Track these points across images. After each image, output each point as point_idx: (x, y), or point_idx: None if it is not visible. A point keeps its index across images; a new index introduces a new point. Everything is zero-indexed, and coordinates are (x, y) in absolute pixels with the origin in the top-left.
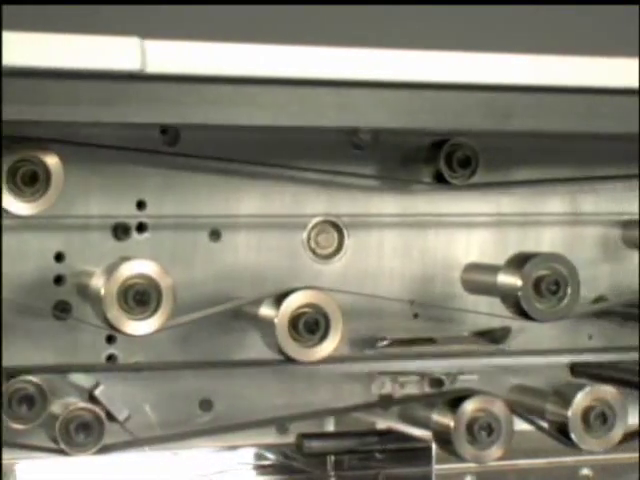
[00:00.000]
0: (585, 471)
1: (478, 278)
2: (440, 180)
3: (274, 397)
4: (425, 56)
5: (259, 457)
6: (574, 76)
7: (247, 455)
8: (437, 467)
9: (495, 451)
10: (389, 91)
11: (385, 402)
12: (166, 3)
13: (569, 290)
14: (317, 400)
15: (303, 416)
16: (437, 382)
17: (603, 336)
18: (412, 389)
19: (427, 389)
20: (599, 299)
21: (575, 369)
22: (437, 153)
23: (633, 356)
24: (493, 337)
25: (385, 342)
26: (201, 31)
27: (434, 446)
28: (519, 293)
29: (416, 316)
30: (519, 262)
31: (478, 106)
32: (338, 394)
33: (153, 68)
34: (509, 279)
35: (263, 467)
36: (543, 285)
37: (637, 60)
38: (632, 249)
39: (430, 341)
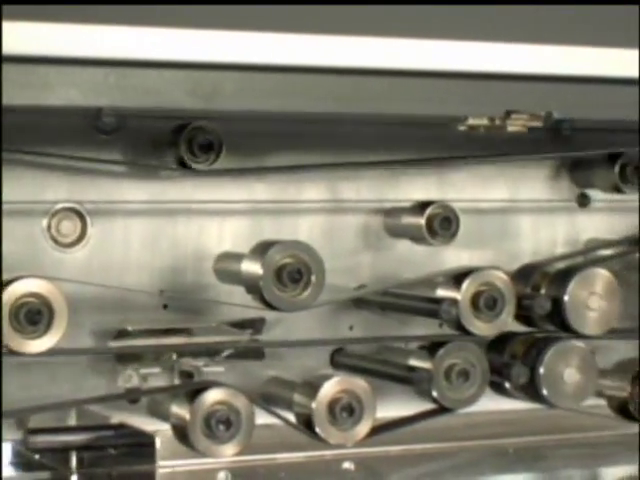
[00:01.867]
0: (347, 465)
1: (227, 267)
2: (184, 165)
3: (15, 391)
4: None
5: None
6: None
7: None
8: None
9: (233, 446)
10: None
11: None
12: None
13: (313, 278)
14: (58, 394)
15: (22, 411)
16: (187, 374)
17: (364, 326)
18: (159, 382)
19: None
20: (360, 288)
21: (335, 360)
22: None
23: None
24: (248, 327)
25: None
26: None
27: (158, 441)
28: (260, 282)
29: (166, 307)
30: (261, 250)
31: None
32: (79, 387)
33: None
34: (251, 268)
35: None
36: (285, 274)
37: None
38: (393, 237)
39: (185, 332)
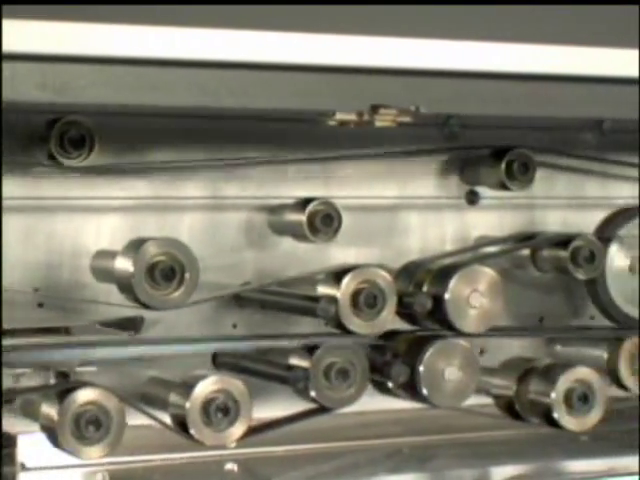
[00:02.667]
0: (229, 466)
1: (102, 265)
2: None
3: None
4: None
5: None
6: None
7: None
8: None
9: (103, 447)
10: None
11: None
12: None
13: (187, 276)
14: None
15: None
16: (63, 374)
17: (248, 325)
18: (32, 381)
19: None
20: (244, 286)
21: (217, 359)
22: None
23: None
24: (126, 326)
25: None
26: None
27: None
28: (132, 280)
29: (41, 305)
30: (133, 248)
31: None
32: None
33: None
34: (124, 265)
35: None
36: (157, 272)
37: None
38: (277, 235)
39: (62, 331)
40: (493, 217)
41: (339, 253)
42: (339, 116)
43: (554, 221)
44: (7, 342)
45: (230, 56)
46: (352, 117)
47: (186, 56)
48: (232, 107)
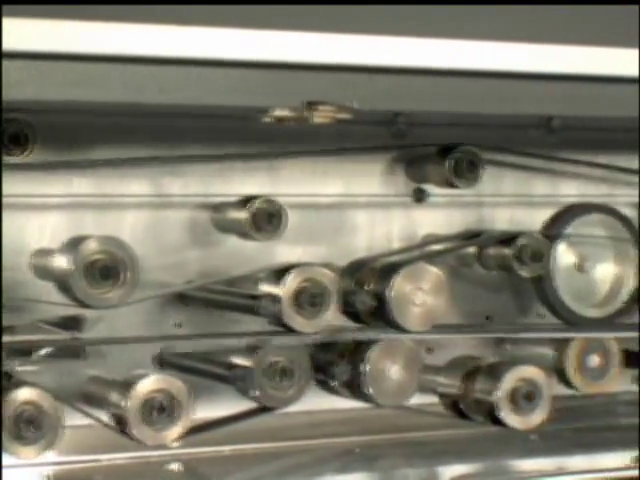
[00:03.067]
0: (173, 466)
1: (41, 264)
2: None
3: None
4: None
5: None
6: None
7: None
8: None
9: (40, 447)
10: None
11: None
12: None
13: (127, 275)
14: None
15: None
16: (7, 375)
17: (192, 323)
18: None
19: None
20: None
21: (161, 358)
22: None
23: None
24: (68, 325)
25: None
26: None
27: None
28: (70, 279)
29: None
30: (72, 246)
31: None
32: None
33: None
34: (61, 263)
35: None
36: (95, 270)
37: None
38: (221, 233)
39: (7, 330)
40: (441, 215)
41: (285, 251)
42: (276, 112)
43: (502, 219)
44: None
45: (165, 52)
46: (289, 113)
47: (120, 52)
48: (166, 103)
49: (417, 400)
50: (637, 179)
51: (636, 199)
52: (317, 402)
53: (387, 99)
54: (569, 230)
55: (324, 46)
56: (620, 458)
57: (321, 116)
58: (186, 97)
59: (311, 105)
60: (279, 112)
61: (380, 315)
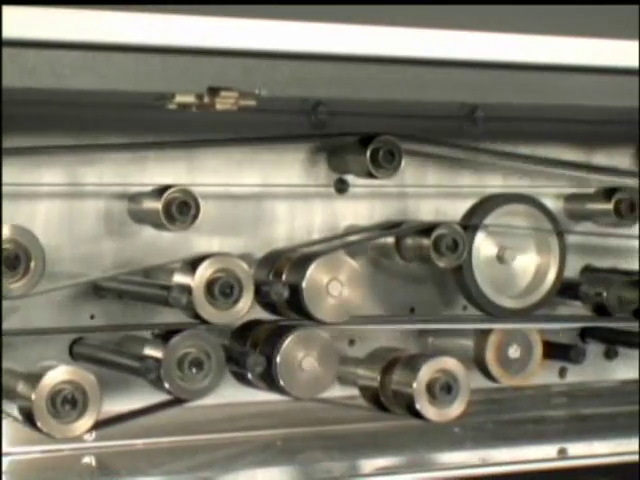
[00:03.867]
0: (87, 460)
1: None
2: None
3: None
4: None
5: None
6: None
7: None
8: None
9: None
10: None
11: None
12: None
13: (32, 265)
14: None
15: None
16: None
17: (106, 315)
18: None
19: None
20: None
21: (74, 350)
22: None
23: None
24: None
25: None
26: None
27: None
28: None
29: None
30: None
31: None
32: None
33: None
34: None
35: None
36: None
37: None
38: (137, 223)
39: None
40: (363, 206)
41: (203, 242)
42: (178, 99)
43: (426, 210)
44: None
45: (62, 36)
46: (192, 100)
47: (16, 35)
48: (60, 89)
49: (340, 393)
50: (564, 171)
51: (562, 190)
52: (237, 395)
53: (295, 86)
54: (489, 220)
55: (231, 31)
56: (545, 451)
57: (224, 102)
58: (84, 82)
59: (213, 91)
60: (182, 98)
61: (294, 306)
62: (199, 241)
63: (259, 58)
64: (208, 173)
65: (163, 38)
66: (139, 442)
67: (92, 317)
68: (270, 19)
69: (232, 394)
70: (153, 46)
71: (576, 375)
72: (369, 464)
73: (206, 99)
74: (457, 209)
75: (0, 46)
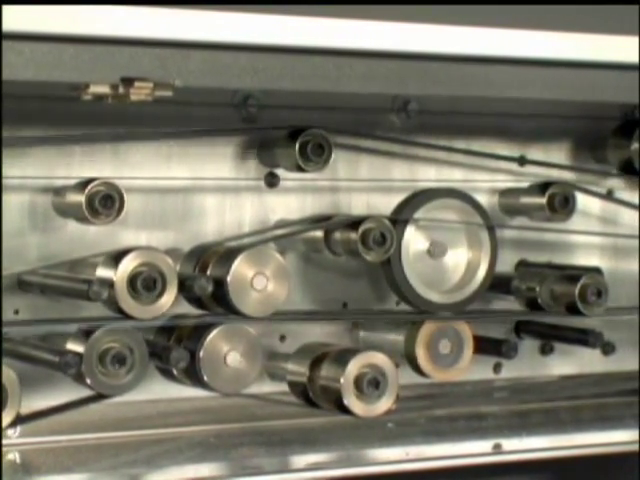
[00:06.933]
0: (10, 456)
1: None
2: None
3: None
4: None
5: None
6: None
7: None
8: None
9: None
10: None
11: None
12: None
13: None
14: None
15: None
16: None
17: (31, 310)
18: None
19: None
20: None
21: None
22: None
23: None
24: None
25: None
26: None
27: None
28: None
29: None
30: None
31: None
32: None
33: None
34: None
35: None
36: None
37: None
38: (62, 217)
39: None
40: (294, 200)
41: (130, 236)
42: (92, 89)
43: (358, 204)
44: None
45: None
46: (106, 90)
47: None
48: None
49: (271, 388)
50: (496, 164)
51: (496, 185)
52: (169, 391)
53: (211, 76)
54: (419, 214)
55: (145, 20)
56: (480, 446)
57: (139, 93)
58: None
59: (127, 81)
60: (96, 89)
61: (219, 300)
62: (126, 235)
63: (173, 48)
64: (136, 166)
65: (76, 27)
66: (63, 438)
67: (16, 312)
68: (185, 8)
69: (163, 390)
70: (66, 35)
71: (511, 371)
72: (301, 459)
73: (121, 89)
74: (390, 203)
75: None
